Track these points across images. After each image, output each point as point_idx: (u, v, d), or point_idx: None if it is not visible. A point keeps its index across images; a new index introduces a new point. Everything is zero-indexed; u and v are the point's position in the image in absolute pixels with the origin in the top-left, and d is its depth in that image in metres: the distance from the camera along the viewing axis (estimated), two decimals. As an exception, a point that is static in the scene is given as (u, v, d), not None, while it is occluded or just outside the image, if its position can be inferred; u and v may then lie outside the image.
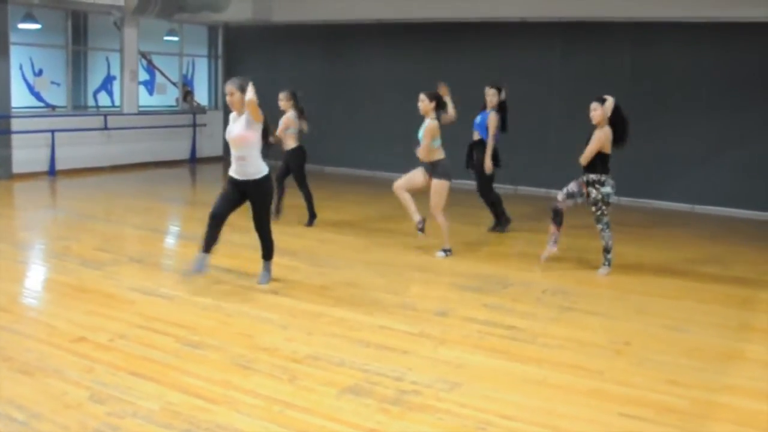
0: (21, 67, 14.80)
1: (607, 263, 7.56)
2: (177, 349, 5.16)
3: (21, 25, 14.06)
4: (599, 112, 7.29)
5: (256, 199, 6.58)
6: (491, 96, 9.07)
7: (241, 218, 8.50)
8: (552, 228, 7.63)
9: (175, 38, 16.49)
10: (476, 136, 9.18)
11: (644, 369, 5.08)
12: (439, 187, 7.87)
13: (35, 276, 7.44)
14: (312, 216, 9.41)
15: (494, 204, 9.43)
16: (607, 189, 7.34)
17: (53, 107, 14.77)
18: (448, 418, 4.22)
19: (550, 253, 7.68)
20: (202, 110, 16.40)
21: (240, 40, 16.72)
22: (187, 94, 16.73)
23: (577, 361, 5.15)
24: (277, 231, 8.94)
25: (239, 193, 6.58)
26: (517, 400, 4.48)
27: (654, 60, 12.00)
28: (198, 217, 8.96)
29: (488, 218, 9.52)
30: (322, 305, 6.24)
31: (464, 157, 9.18)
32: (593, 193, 7.35)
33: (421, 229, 8.04)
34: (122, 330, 5.48)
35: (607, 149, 7.30)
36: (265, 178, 6.58)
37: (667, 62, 11.88)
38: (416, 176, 8.06)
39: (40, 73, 15.49)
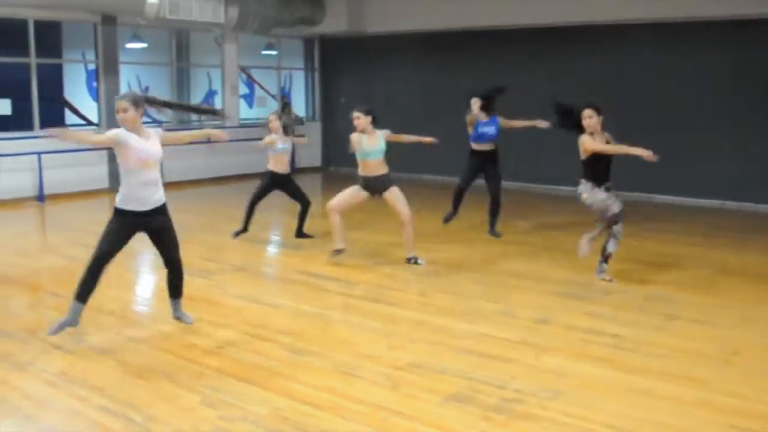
0: (129, 85, 15.43)
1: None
2: (283, 355, 5.30)
3: (128, 45, 14.70)
4: (595, 120, 7.10)
5: (167, 225, 5.80)
6: (477, 106, 9.24)
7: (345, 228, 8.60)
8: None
9: (273, 52, 16.91)
10: (489, 146, 9.34)
11: (754, 379, 4.93)
12: (399, 193, 7.85)
13: (145, 284, 7.77)
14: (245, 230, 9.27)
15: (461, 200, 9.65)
16: None
17: (160, 122, 15.34)
18: (552, 427, 4.20)
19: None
20: (300, 122, 16.70)
21: (335, 52, 17.00)
22: (286, 106, 17.09)
23: (683, 371, 5.04)
24: (370, 239, 9.09)
25: (133, 229, 5.67)
26: (622, 410, 4.41)
27: (754, 59, 11.65)
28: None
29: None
30: (422, 313, 6.30)
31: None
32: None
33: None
34: (230, 337, 5.67)
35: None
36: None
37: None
38: (356, 196, 8.00)
39: (146, 90, 16.11)
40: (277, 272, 8.27)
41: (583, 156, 7.18)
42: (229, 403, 4.49)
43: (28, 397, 4.63)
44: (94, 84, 14.13)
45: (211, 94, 17.20)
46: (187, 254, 8.29)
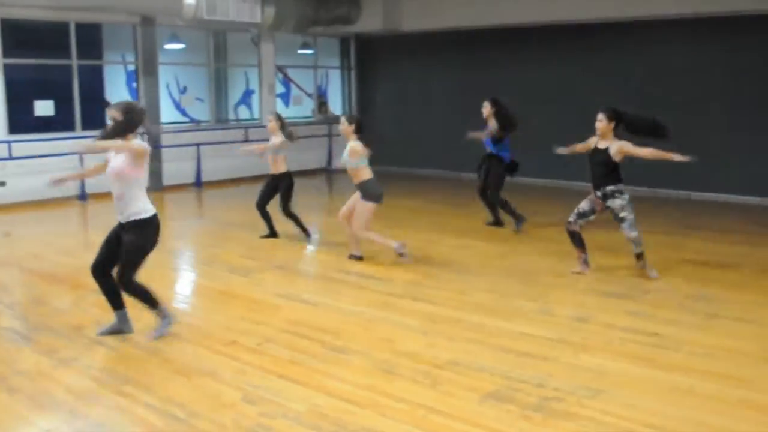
0: (167, 86, 15.62)
1: (644, 262, 7.36)
2: (322, 353, 5.34)
3: (167, 46, 14.87)
4: (604, 123, 7.12)
5: (127, 242, 5.51)
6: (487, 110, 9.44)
7: (377, 226, 8.67)
8: (577, 252, 7.50)
9: (309, 51, 16.99)
10: (488, 150, 9.59)
11: (799, 379, 4.88)
12: (363, 208, 7.82)
13: (187, 282, 7.87)
14: (307, 234, 9.24)
15: (504, 206, 9.64)
16: (627, 196, 7.19)
17: (198, 122, 15.50)
18: (591, 426, 4.18)
19: (583, 273, 7.50)
20: (336, 120, 16.80)
21: (371, 50, 17.03)
22: (322, 105, 17.20)
23: (725, 370, 4.99)
24: (408, 238, 9.11)
25: (119, 237, 5.62)
26: (663, 409, 4.39)
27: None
28: (335, 225, 9.21)
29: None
30: (461, 311, 6.30)
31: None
32: (618, 201, 7.16)
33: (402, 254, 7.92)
34: (270, 334, 5.73)
35: (621, 159, 7.16)
36: (145, 222, 5.52)
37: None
38: (353, 201, 8.07)
39: (184, 90, 16.29)
40: (316, 270, 8.31)
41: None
42: (270, 399, 4.54)
43: (73, 392, 4.73)
44: (134, 85, 14.32)
45: (248, 93, 17.31)
46: (227, 252, 8.48)
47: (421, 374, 4.91)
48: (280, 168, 9.12)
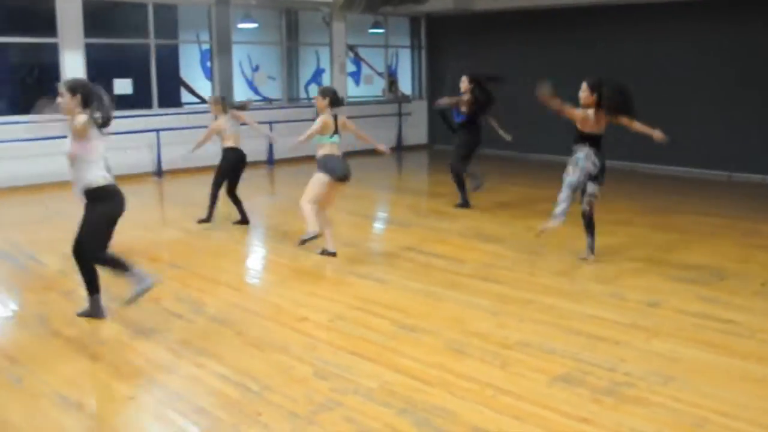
0: (240, 64, 15.86)
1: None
2: (392, 331, 5.40)
3: (240, 25, 15.09)
4: (587, 94, 7.07)
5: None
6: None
7: (447, 206, 8.67)
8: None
9: (380, 31, 17.01)
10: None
11: None
12: (316, 179, 7.31)
13: (258, 258, 8.02)
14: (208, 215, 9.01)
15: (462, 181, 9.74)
16: (581, 155, 7.20)
17: (270, 100, 15.70)
18: (662, 412, 4.14)
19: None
20: (406, 99, 16.83)
21: (442, 30, 16.94)
22: (392, 84, 17.23)
23: (803, 360, 4.89)
24: (478, 218, 9.09)
25: None
26: (735, 398, 4.32)
27: None
28: (406, 204, 9.28)
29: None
30: (531, 292, 6.28)
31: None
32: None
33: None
34: (341, 311, 5.81)
35: (587, 129, 7.09)
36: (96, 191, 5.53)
37: None
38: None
39: (257, 68, 16.52)
40: (386, 249, 8.35)
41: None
42: (341, 375, 4.62)
43: (151, 362, 4.89)
44: (208, 63, 14.58)
45: (319, 72, 17.47)
46: (298, 230, 8.55)
47: (490, 354, 4.93)
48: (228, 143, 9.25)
